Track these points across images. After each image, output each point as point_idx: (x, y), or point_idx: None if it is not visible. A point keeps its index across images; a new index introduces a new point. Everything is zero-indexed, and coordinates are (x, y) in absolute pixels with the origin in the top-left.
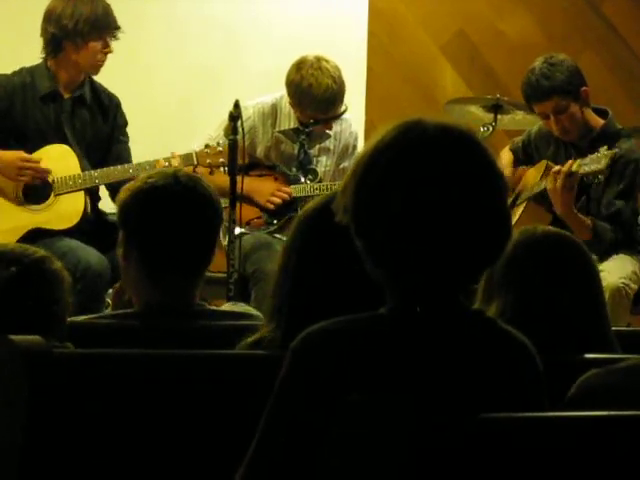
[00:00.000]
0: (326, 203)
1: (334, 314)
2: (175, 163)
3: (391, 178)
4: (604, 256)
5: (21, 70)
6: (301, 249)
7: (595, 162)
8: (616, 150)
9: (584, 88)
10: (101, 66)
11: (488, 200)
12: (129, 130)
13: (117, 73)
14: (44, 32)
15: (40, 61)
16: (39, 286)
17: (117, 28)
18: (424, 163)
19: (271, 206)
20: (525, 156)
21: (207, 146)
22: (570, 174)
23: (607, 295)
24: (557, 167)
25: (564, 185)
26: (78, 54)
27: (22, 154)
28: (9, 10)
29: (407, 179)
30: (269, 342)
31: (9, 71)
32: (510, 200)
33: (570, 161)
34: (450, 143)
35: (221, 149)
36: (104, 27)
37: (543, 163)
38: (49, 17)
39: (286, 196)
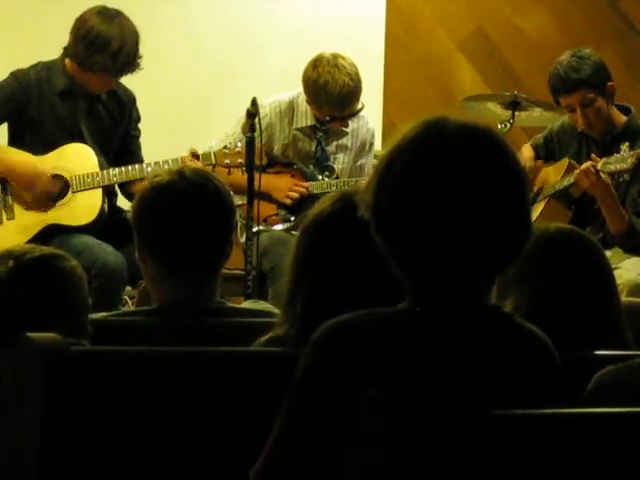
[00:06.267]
0: (336, 204)
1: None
2: (191, 163)
3: (410, 177)
4: (631, 251)
5: (37, 64)
6: (310, 249)
7: (621, 161)
8: None
9: (610, 83)
10: (109, 88)
11: (508, 200)
12: (147, 128)
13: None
14: (73, 39)
15: (57, 56)
16: (41, 282)
17: (136, 65)
18: (443, 162)
19: (289, 201)
20: (546, 151)
21: (225, 147)
22: (596, 170)
23: (625, 292)
24: (583, 166)
25: (598, 178)
26: (89, 80)
27: (45, 169)
28: (10, 9)
29: (426, 178)
30: (282, 340)
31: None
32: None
33: (593, 158)
34: (470, 142)
35: (239, 149)
36: (123, 69)
37: (565, 162)
38: (84, 33)
39: (304, 190)
